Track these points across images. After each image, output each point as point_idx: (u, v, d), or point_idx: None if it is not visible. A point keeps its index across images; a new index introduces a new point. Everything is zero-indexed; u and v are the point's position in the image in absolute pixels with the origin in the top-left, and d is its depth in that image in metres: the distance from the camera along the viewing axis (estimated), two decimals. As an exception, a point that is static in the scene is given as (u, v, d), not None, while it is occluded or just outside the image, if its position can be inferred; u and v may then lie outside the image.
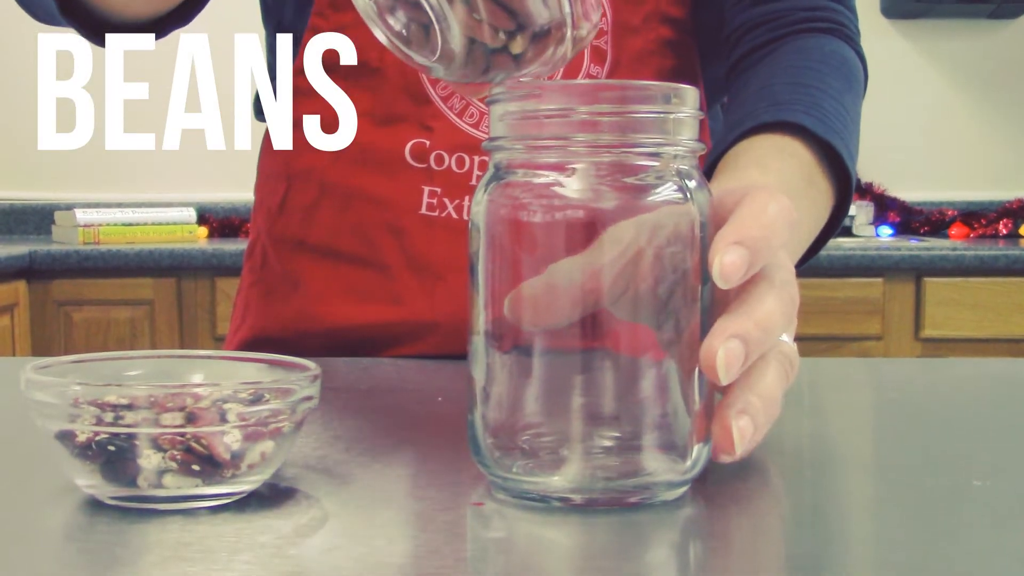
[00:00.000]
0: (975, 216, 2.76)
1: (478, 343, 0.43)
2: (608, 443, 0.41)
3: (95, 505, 0.42)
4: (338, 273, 0.84)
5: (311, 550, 0.38)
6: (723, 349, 0.42)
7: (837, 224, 0.74)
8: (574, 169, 0.41)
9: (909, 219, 2.79)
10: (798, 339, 0.49)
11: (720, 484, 0.47)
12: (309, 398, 0.43)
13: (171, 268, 2.33)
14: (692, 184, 0.42)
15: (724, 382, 0.42)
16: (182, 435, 0.40)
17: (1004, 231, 2.73)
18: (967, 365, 0.75)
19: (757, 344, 0.43)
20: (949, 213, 2.77)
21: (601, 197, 0.41)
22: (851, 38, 0.82)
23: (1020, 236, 2.72)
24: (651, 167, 0.41)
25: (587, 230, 0.41)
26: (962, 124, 2.90)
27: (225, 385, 0.42)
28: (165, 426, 0.40)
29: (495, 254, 0.42)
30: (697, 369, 0.42)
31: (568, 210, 0.41)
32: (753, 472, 0.49)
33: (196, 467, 0.40)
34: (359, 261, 0.83)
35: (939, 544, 0.40)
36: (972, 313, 2.29)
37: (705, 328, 0.42)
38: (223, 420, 0.40)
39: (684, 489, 0.43)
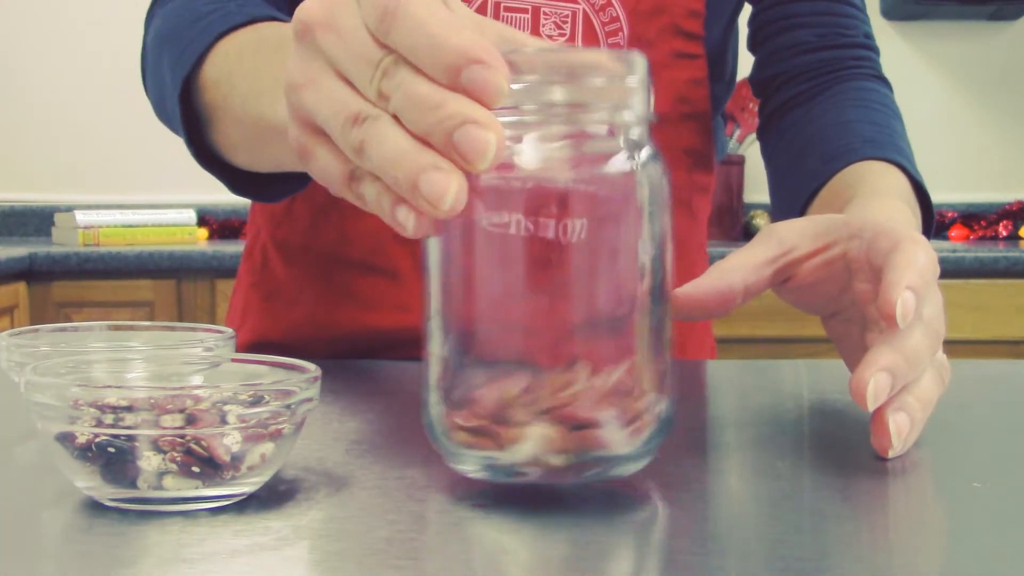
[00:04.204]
0: (975, 218, 2.76)
1: (433, 325, 0.43)
2: (564, 416, 0.40)
3: (95, 507, 0.42)
4: (346, 279, 0.84)
5: (311, 552, 0.38)
6: (873, 380, 0.47)
7: None
8: (525, 139, 0.40)
9: (909, 221, 2.78)
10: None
11: (717, 485, 0.47)
12: (309, 400, 0.43)
13: (171, 270, 2.33)
14: (643, 154, 0.42)
15: (871, 408, 0.48)
16: (182, 437, 0.40)
17: (1004, 233, 2.73)
18: (967, 367, 0.75)
19: (903, 376, 0.49)
20: (949, 215, 2.77)
21: (553, 167, 0.41)
22: (888, 83, 0.91)
23: (1020, 238, 2.72)
24: (602, 136, 0.41)
25: (539, 199, 0.40)
26: (962, 126, 2.90)
27: (225, 387, 0.42)
28: (165, 428, 0.40)
29: (448, 224, 0.41)
30: (654, 341, 0.42)
31: (519, 181, 0.40)
32: (752, 473, 0.49)
33: (196, 469, 0.40)
34: (368, 267, 0.83)
35: (939, 546, 0.40)
36: (972, 315, 2.29)
37: (656, 301, 0.42)
38: (223, 422, 0.40)
39: (643, 463, 0.43)
